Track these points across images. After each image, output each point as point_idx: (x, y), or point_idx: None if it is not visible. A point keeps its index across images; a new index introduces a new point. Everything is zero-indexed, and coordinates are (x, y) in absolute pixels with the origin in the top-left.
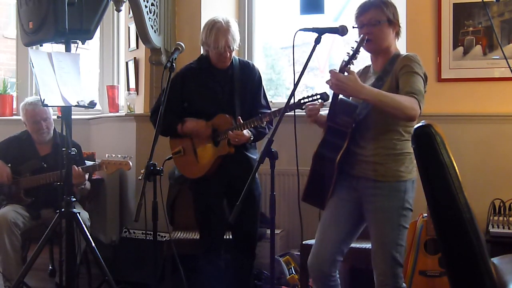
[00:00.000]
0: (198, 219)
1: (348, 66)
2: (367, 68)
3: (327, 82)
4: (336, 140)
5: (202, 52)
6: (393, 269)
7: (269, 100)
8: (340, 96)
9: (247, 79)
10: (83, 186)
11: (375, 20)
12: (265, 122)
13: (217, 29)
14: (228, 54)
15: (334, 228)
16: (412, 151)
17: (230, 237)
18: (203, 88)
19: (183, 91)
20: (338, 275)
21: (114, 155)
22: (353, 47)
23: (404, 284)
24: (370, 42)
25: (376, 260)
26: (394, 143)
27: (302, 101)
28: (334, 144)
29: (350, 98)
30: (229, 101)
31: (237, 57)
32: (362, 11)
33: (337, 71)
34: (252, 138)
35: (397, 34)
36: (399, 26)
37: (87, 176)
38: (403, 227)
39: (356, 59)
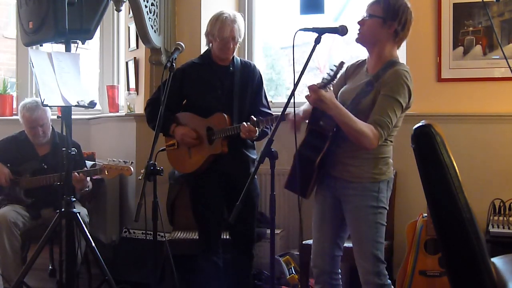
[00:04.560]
0: (196, 216)
1: (326, 88)
2: (362, 63)
3: (306, 97)
4: (317, 142)
5: (205, 45)
6: (375, 267)
7: (269, 100)
8: None
9: (247, 79)
10: (87, 189)
11: (370, 14)
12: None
13: (224, 18)
14: (232, 45)
15: (325, 225)
16: (387, 155)
17: (228, 237)
18: (203, 83)
19: (182, 87)
20: (340, 276)
21: (115, 160)
22: (332, 69)
23: (388, 281)
24: (359, 33)
25: (357, 259)
26: None
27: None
28: (315, 146)
29: None
30: (228, 98)
31: (238, 58)
32: (371, 2)
33: (317, 87)
34: (257, 135)
35: (397, 39)
36: (400, 32)
37: (88, 178)
38: (380, 225)
39: (333, 83)
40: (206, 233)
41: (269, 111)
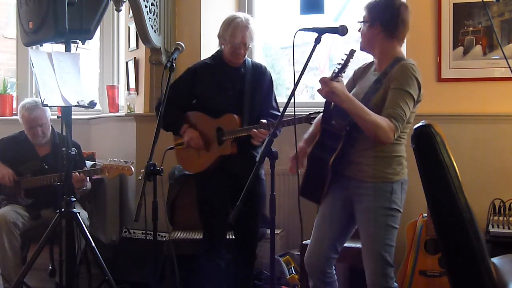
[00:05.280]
0: (201, 216)
1: (338, 78)
2: (369, 65)
3: (318, 90)
4: (330, 142)
5: (218, 46)
6: (383, 269)
7: None
8: None
9: (258, 81)
10: (84, 188)
11: (360, 21)
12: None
13: (236, 24)
14: (243, 51)
15: (328, 226)
16: (401, 154)
17: (232, 236)
18: (214, 83)
19: (193, 87)
20: (334, 272)
21: (116, 160)
22: (343, 59)
23: (395, 284)
24: (360, 42)
25: (366, 260)
26: (382, 146)
27: (311, 115)
28: (328, 146)
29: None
30: (239, 99)
31: (249, 59)
32: (364, 7)
33: (329, 79)
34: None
35: (391, 37)
36: (387, 30)
37: (88, 178)
38: (391, 227)
39: (344, 72)
40: (210, 233)
41: (278, 113)
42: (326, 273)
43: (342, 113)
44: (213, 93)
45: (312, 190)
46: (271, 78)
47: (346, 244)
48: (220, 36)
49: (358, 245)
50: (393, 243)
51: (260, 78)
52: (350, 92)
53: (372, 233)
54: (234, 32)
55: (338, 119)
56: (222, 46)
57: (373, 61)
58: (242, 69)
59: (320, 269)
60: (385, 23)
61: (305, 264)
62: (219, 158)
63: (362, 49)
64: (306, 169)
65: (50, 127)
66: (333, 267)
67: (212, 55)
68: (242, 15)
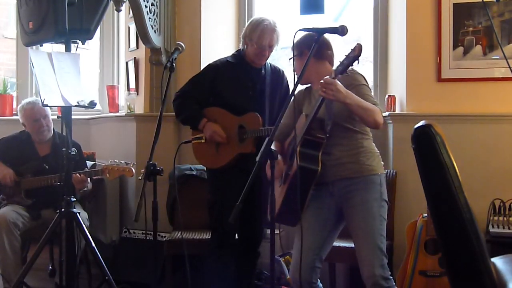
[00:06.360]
0: (211, 213)
1: (345, 73)
2: (308, 88)
3: (321, 93)
4: (312, 152)
5: (241, 46)
6: (381, 260)
7: None
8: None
9: (276, 84)
10: (85, 189)
11: (290, 58)
12: None
13: (265, 26)
14: (267, 53)
15: (311, 237)
16: (374, 148)
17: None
18: (235, 81)
19: (213, 84)
20: (319, 282)
21: (117, 161)
22: (346, 55)
23: (391, 277)
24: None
25: (362, 253)
26: (360, 142)
27: None
28: (311, 156)
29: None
30: (259, 99)
31: (268, 62)
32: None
33: (333, 78)
34: None
35: (325, 60)
36: (321, 51)
37: (89, 179)
38: (383, 218)
39: (352, 66)
40: (219, 232)
41: None
42: (312, 283)
43: (320, 124)
44: (233, 91)
45: (290, 212)
46: (288, 83)
47: (346, 244)
48: (246, 36)
49: None
50: (385, 235)
51: (278, 81)
52: (302, 113)
53: (369, 225)
54: (263, 34)
55: (318, 129)
56: (246, 46)
57: (310, 86)
58: (262, 71)
59: (307, 280)
60: (311, 47)
61: (292, 279)
62: (238, 155)
63: (301, 83)
64: (286, 191)
65: (52, 123)
66: (318, 279)
67: (233, 54)
68: (270, 18)
